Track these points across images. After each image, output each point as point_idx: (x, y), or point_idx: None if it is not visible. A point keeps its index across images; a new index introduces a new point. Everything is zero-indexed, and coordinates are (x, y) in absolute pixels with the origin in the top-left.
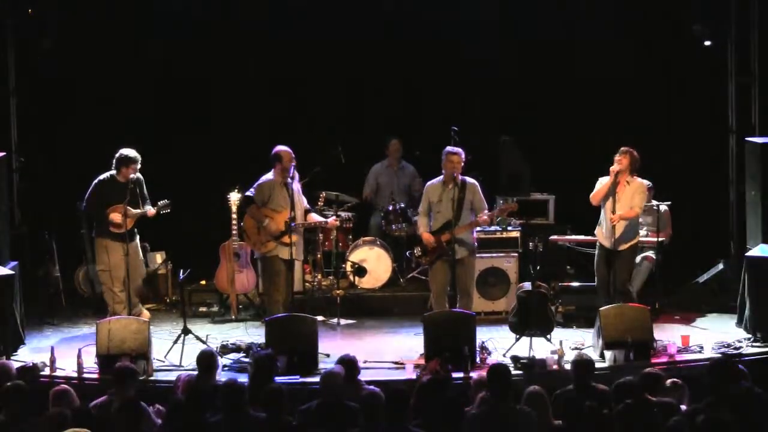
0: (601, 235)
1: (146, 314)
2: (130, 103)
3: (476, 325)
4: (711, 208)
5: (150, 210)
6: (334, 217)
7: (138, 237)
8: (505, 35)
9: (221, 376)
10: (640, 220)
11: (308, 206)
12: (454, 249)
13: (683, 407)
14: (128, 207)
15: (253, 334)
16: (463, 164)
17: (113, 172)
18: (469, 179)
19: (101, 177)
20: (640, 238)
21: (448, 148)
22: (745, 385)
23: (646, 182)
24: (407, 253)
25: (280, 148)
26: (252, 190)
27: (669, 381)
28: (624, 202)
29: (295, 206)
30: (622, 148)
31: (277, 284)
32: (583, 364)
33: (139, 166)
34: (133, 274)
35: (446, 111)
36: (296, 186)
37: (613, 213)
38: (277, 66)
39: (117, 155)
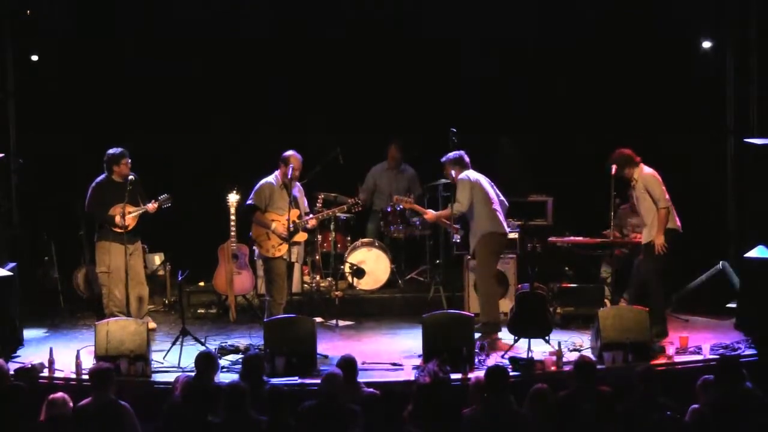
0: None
1: (152, 324)
2: (129, 104)
3: (475, 326)
4: (710, 208)
5: (151, 205)
6: (311, 216)
7: (140, 238)
8: (504, 35)
9: (219, 378)
10: (634, 220)
11: (308, 210)
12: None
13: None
14: (129, 206)
15: (252, 335)
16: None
17: (106, 173)
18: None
19: (97, 180)
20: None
21: None
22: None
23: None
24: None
25: (292, 153)
26: (251, 197)
27: (701, 379)
28: (642, 199)
29: (298, 206)
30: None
31: (280, 286)
32: (585, 365)
33: (129, 160)
34: (133, 275)
35: (445, 111)
36: (297, 189)
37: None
38: (277, 66)
39: (105, 157)
